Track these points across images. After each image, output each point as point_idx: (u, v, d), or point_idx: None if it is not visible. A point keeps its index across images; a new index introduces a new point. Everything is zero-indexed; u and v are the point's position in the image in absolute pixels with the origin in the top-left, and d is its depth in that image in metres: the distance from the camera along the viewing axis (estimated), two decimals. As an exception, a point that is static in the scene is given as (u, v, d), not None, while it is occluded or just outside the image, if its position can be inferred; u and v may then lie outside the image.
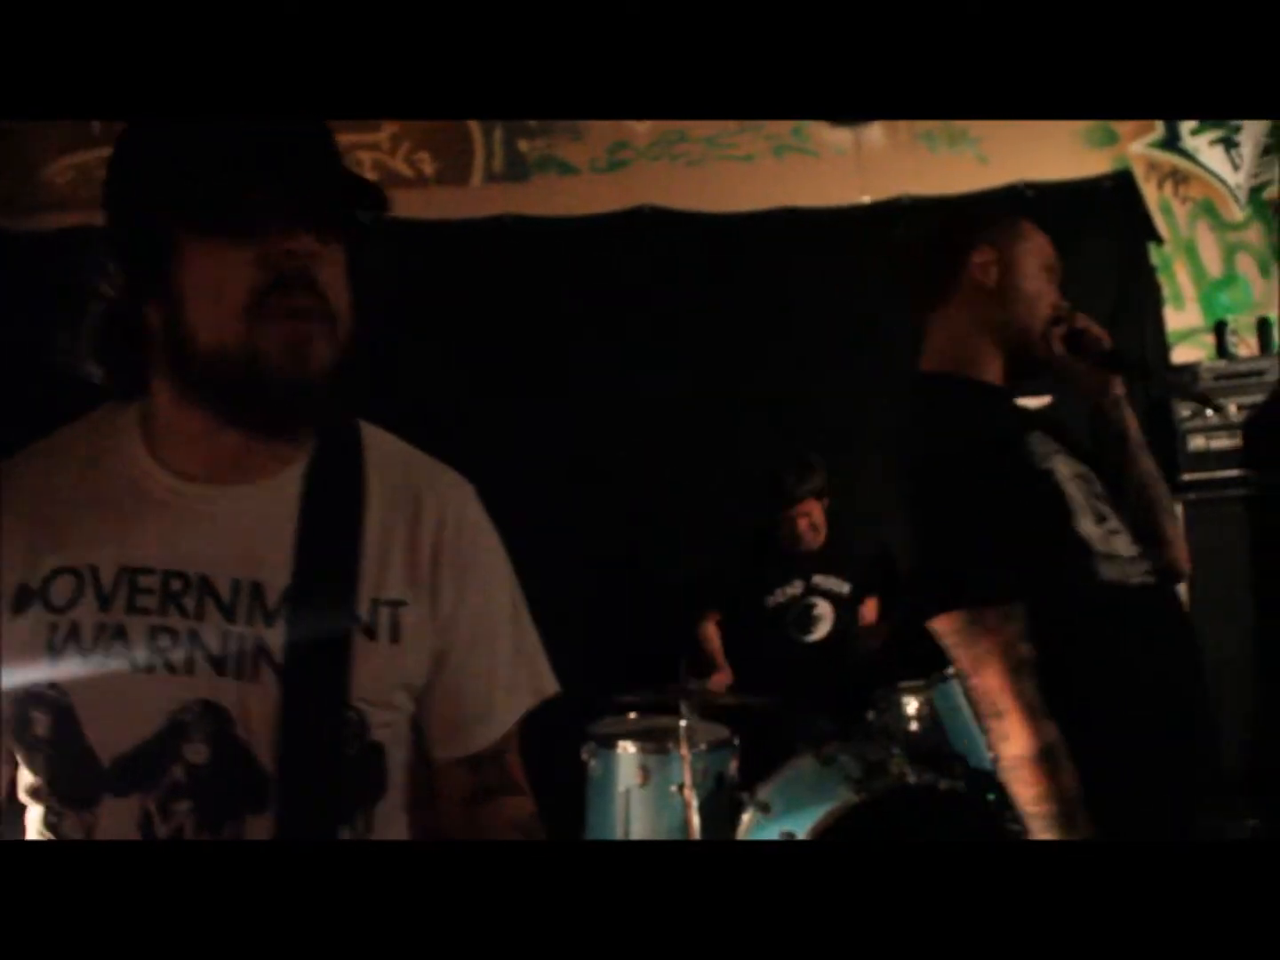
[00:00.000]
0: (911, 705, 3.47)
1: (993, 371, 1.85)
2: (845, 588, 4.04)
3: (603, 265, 4.27)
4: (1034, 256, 1.85)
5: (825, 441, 4.06)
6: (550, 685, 1.28)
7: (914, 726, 3.45)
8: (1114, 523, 1.77)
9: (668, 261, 4.30)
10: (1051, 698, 1.61)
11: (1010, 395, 1.89)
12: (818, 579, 4.02)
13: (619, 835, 3.29)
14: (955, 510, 1.69)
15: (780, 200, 4.39)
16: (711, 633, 4.05)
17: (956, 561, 1.69)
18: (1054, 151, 4.52)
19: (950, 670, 3.39)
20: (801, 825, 2.91)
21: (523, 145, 4.36)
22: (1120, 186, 4.61)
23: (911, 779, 2.96)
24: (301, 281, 1.06)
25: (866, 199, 4.46)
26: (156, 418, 1.15)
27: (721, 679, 3.91)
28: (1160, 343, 4.59)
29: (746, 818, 3.14)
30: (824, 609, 4.03)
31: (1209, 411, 4.11)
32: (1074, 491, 1.74)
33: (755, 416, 4.29)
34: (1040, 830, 1.59)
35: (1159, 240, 4.64)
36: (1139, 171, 4.65)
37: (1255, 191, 4.68)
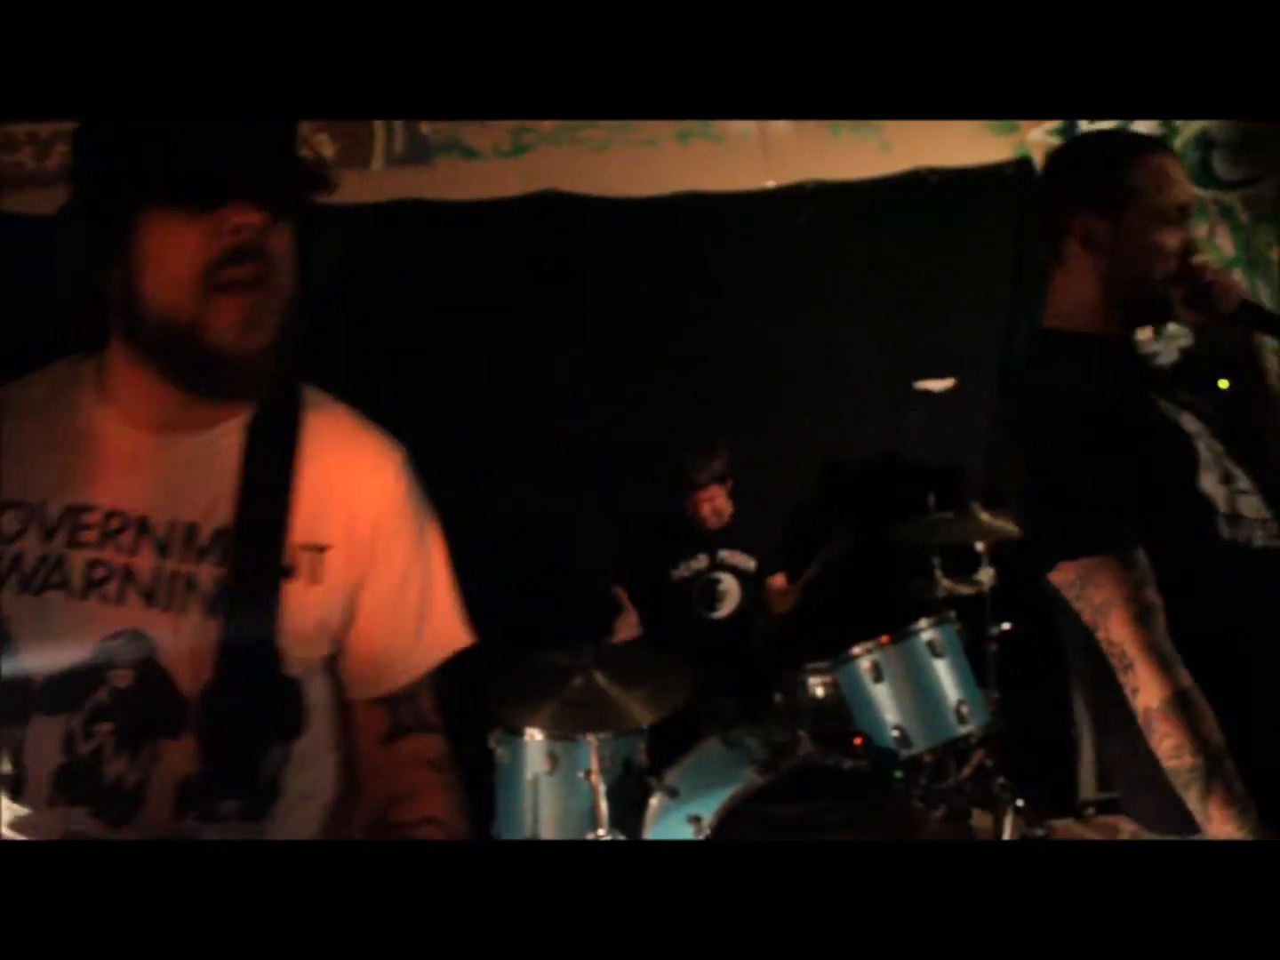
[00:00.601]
0: (817, 687, 3.50)
1: (1114, 326, 1.80)
2: (752, 564, 4.06)
3: (507, 250, 4.23)
4: (1147, 209, 1.75)
5: (733, 421, 4.08)
6: (464, 638, 1.36)
7: (820, 707, 3.49)
8: (1243, 483, 1.72)
9: (572, 245, 4.27)
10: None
11: (1133, 348, 1.84)
12: (724, 554, 4.03)
13: (527, 823, 3.28)
14: (1072, 461, 1.64)
15: (685, 185, 4.39)
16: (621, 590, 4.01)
17: (1072, 512, 1.64)
18: (955, 138, 4.57)
19: (855, 651, 3.44)
20: (708, 808, 2.92)
21: (425, 128, 4.29)
22: (1020, 173, 4.68)
23: (816, 760, 2.99)
24: (251, 252, 1.14)
25: (771, 184, 4.47)
26: (111, 371, 1.24)
27: (628, 622, 3.89)
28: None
29: (654, 802, 3.15)
30: (730, 584, 4.04)
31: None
32: (1201, 448, 1.70)
33: (662, 399, 4.30)
34: (1182, 786, 1.51)
35: (1058, 226, 4.72)
36: (1038, 159, 4.72)
37: (1149, 178, 4.78)
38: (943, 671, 3.46)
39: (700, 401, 4.27)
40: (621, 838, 3.15)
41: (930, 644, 3.46)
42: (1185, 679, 1.53)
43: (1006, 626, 3.69)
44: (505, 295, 4.18)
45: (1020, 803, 3.71)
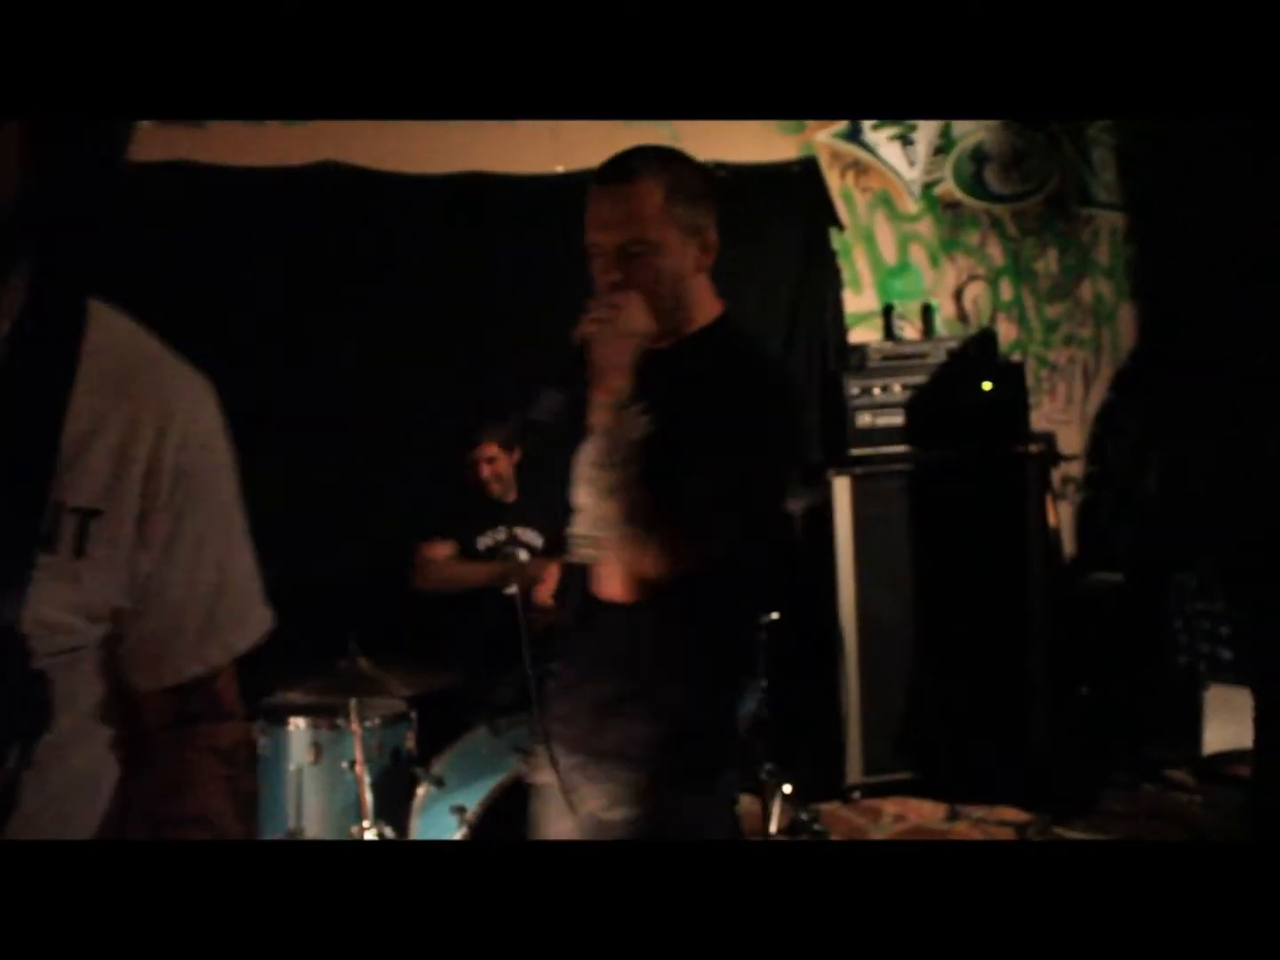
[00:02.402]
0: (590, 674, 3.51)
1: None
2: (539, 541, 4.07)
3: (284, 221, 4.08)
4: None
5: (513, 401, 4.04)
6: (265, 622, 1.15)
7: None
8: None
9: (354, 219, 4.17)
10: None
11: None
12: (518, 530, 4.02)
13: (290, 815, 3.17)
14: None
15: (473, 164, 4.33)
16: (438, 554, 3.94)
17: None
18: (745, 134, 4.65)
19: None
20: (473, 799, 2.89)
21: (200, 88, 4.08)
22: (806, 172, 4.80)
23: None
24: None
25: (560, 169, 4.45)
26: None
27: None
28: (840, 324, 4.82)
29: (421, 793, 3.10)
30: (523, 560, 4.03)
31: (877, 390, 4.34)
32: None
33: (442, 379, 4.23)
34: None
35: (840, 226, 4.86)
36: (823, 160, 4.85)
37: (928, 187, 4.98)
38: (713, 660, 3.51)
39: (480, 382, 4.21)
40: (387, 831, 3.08)
41: (701, 632, 3.50)
42: None
43: (775, 616, 3.77)
44: (280, 265, 4.03)
45: (788, 788, 3.81)
